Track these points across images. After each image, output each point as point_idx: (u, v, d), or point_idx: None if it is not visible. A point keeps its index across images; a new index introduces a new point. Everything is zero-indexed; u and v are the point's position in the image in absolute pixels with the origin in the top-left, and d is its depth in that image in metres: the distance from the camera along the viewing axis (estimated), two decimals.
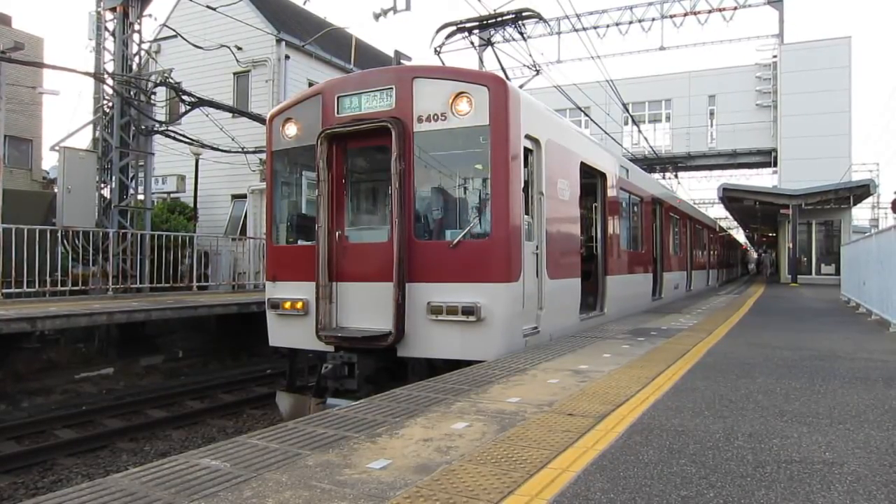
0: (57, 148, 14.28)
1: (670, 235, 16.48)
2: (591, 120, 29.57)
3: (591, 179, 9.78)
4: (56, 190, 14.78)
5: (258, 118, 16.22)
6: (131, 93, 14.77)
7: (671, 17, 30.40)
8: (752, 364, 5.93)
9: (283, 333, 7.67)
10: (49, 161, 25.55)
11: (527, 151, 7.14)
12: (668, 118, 35.92)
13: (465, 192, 7.42)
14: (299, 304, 7.32)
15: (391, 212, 6.70)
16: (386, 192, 7.17)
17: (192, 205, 18.82)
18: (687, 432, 3.63)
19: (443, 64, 8.82)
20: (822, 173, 27.55)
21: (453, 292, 6.45)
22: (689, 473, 2.95)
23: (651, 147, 30.83)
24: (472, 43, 10.02)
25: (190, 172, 18.76)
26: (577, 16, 25.18)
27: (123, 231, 14.14)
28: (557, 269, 7.77)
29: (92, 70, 14.49)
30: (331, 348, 7.02)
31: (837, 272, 23.16)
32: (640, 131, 33.07)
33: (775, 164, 32.20)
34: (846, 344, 7.50)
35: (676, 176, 32.63)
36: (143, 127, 15.03)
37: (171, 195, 21.15)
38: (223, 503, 2.62)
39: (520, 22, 9.60)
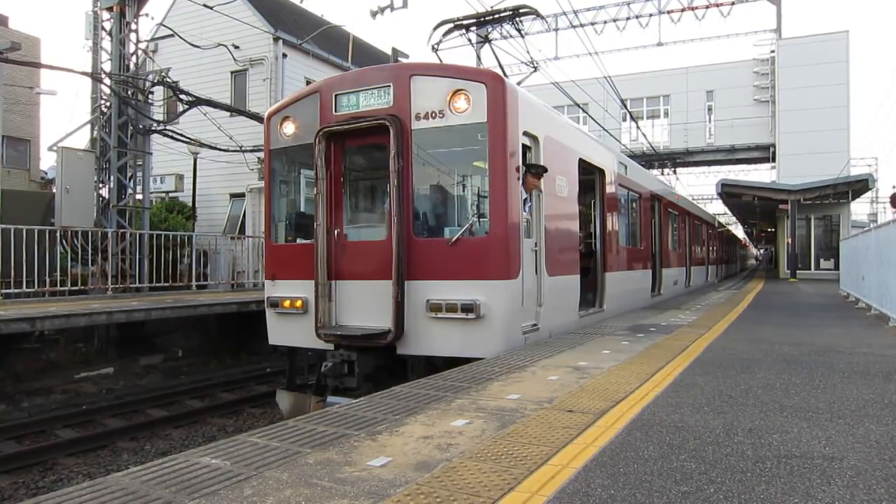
0: (55, 148, 14.27)
1: (669, 231, 16.48)
2: (590, 116, 29.58)
3: (589, 176, 9.78)
4: (54, 190, 14.77)
5: (256, 117, 16.21)
6: (129, 92, 14.75)
7: (668, 12, 30.36)
8: (752, 359, 5.94)
9: (283, 332, 7.66)
10: (47, 161, 25.56)
11: (525, 148, 7.13)
12: (666, 114, 35.92)
13: (463, 190, 7.42)
14: (298, 303, 7.32)
15: (389, 210, 6.70)
16: (384, 190, 7.17)
17: (190, 204, 18.81)
18: (687, 428, 3.63)
19: (440, 61, 8.81)
20: (821, 168, 27.56)
21: (452, 290, 6.45)
22: (690, 469, 2.95)
23: (649, 143, 30.83)
24: (469, 40, 9.98)
25: (188, 171, 18.75)
26: (575, 12, 25.20)
27: (122, 231, 14.13)
28: (556, 266, 7.77)
29: (89, 70, 14.48)
30: (330, 346, 7.02)
31: (836, 267, 23.19)
32: (638, 127, 33.08)
33: (774, 160, 32.22)
34: (845, 339, 7.51)
35: (675, 172, 32.65)
36: (140, 126, 15.02)
37: (170, 194, 21.15)
38: (224, 501, 2.62)
39: (517, 19, 9.57)
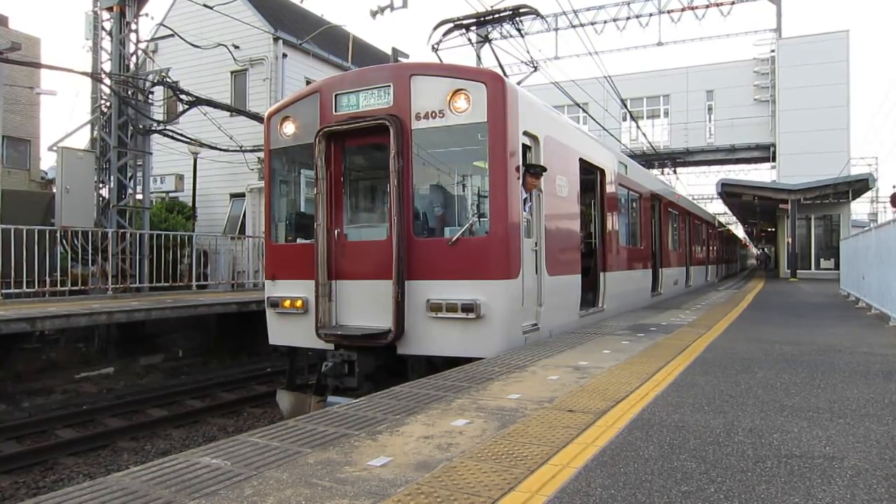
0: (55, 148, 14.28)
1: (669, 231, 16.48)
2: (590, 116, 29.58)
3: (589, 176, 9.78)
4: (55, 190, 14.78)
5: (256, 117, 16.21)
6: (129, 92, 14.76)
7: (668, 12, 30.36)
8: (752, 359, 5.94)
9: (283, 332, 7.67)
10: (47, 161, 25.55)
11: (525, 148, 7.13)
12: (666, 114, 35.88)
13: (463, 190, 7.42)
14: (299, 303, 7.32)
15: (390, 209, 6.70)
16: (384, 190, 7.17)
17: (190, 204, 18.81)
18: (687, 428, 3.63)
19: (440, 61, 8.81)
20: (821, 168, 27.54)
21: (453, 289, 6.45)
22: (690, 469, 2.95)
23: (649, 143, 30.83)
24: (469, 40, 9.97)
25: (188, 171, 18.76)
26: (575, 12, 25.18)
27: (122, 231, 14.13)
28: (557, 266, 7.77)
29: (89, 70, 14.48)
30: (331, 346, 7.02)
31: (836, 267, 23.19)
32: (638, 127, 33.06)
33: (774, 159, 32.20)
34: (846, 338, 7.51)
35: (675, 171, 32.64)
36: (140, 126, 15.02)
37: (170, 194, 21.15)
38: (224, 501, 2.62)
39: (517, 18, 9.57)
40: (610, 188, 10.35)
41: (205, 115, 16.41)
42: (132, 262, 14.25)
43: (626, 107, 28.59)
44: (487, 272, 6.40)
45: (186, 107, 16.03)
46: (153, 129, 15.65)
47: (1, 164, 21.51)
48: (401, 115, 6.76)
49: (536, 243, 7.27)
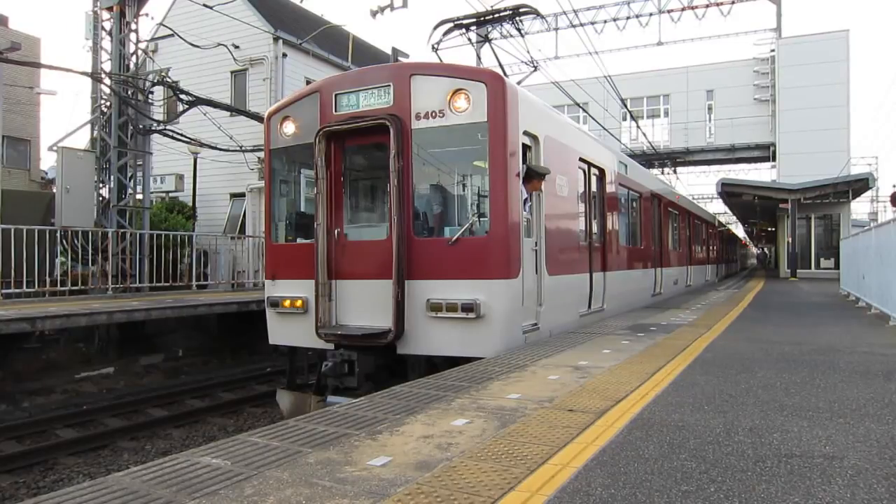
0: (55, 148, 14.28)
1: (669, 231, 16.49)
2: (590, 116, 29.59)
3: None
4: (55, 190, 14.78)
5: (256, 116, 16.22)
6: (129, 92, 14.76)
7: (668, 12, 30.35)
8: (752, 359, 5.94)
9: (283, 332, 7.67)
10: (47, 161, 25.60)
11: (525, 148, 7.13)
12: (666, 113, 35.86)
13: (463, 189, 7.42)
14: (299, 303, 7.33)
15: (390, 209, 6.70)
16: (384, 190, 7.17)
17: (190, 204, 18.82)
18: (687, 427, 3.63)
19: (440, 61, 8.82)
20: (821, 167, 27.52)
21: (453, 289, 6.45)
22: (690, 468, 2.95)
23: (649, 142, 30.82)
24: (469, 40, 9.98)
25: (188, 171, 18.76)
26: (575, 11, 25.16)
27: (122, 231, 14.13)
28: (557, 266, 7.78)
29: (89, 70, 14.49)
30: (331, 346, 7.02)
31: (836, 266, 23.19)
32: (638, 127, 33.05)
33: (774, 159, 32.19)
34: (846, 338, 7.51)
35: (675, 171, 32.64)
36: (140, 126, 15.03)
37: (170, 194, 21.15)
38: (224, 501, 2.62)
39: (517, 18, 9.58)
40: (610, 188, 10.35)
41: (205, 115, 16.41)
42: (132, 262, 14.25)
43: (626, 106, 28.59)
44: (487, 272, 6.40)
45: (186, 107, 16.04)
46: (153, 129, 15.65)
47: (1, 164, 21.53)
48: (401, 115, 6.77)
49: (536, 243, 7.28)
